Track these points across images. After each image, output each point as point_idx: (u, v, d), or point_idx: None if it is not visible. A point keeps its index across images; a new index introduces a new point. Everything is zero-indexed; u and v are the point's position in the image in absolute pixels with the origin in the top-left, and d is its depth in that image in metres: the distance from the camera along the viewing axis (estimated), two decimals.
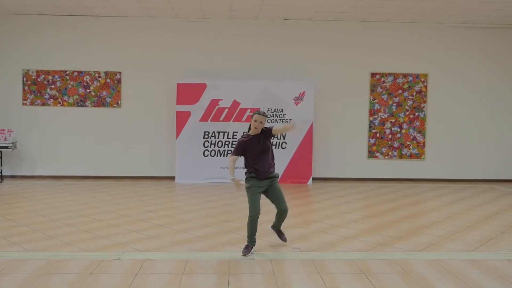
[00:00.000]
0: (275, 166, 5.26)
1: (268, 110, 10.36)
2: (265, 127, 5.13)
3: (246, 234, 5.89)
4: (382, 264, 4.79)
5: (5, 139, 10.13)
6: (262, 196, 5.18)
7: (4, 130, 10.16)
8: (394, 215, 7.21)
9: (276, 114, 10.37)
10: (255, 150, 5.07)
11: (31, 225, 6.24)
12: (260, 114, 5.05)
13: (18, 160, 10.65)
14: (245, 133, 5.26)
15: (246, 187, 5.10)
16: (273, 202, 5.23)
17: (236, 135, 10.36)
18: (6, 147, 10.00)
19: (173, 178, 10.53)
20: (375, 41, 10.91)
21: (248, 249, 5.04)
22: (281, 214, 5.25)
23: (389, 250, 5.33)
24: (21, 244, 5.34)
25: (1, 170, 10.26)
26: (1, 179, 10.24)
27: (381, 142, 11.02)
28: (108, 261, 4.75)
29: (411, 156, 11.06)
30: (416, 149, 11.06)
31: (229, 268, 4.57)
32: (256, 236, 5.10)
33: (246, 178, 5.16)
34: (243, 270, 4.52)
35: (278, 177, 5.26)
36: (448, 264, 4.81)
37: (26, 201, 7.95)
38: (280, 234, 5.50)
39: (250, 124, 5.15)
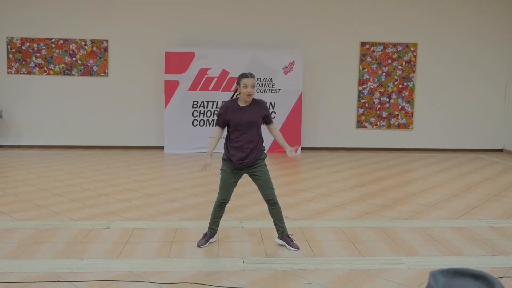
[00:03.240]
0: (262, 149, 4.28)
1: (257, 80, 10.28)
2: (261, 101, 4.26)
3: (235, 203, 5.96)
4: (368, 231, 4.88)
5: None
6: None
7: None
8: (382, 184, 7.30)
9: (265, 84, 10.32)
10: (240, 121, 4.09)
11: (19, 194, 6.23)
12: (248, 76, 4.04)
13: (4, 130, 10.53)
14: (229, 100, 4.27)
15: (221, 169, 4.26)
16: (257, 186, 4.27)
17: None
18: None
19: (162, 147, 10.51)
20: (365, 10, 10.80)
21: (204, 238, 4.31)
22: (269, 207, 4.29)
23: (376, 218, 5.42)
24: (9, 213, 5.34)
25: None
26: None
27: (370, 112, 11.06)
28: (98, 230, 4.77)
29: (399, 126, 11.13)
30: (404, 119, 11.12)
31: (219, 236, 4.62)
32: (217, 225, 4.37)
33: (222, 157, 4.27)
34: (232, 238, 4.58)
35: (263, 158, 4.27)
36: (433, 231, 4.91)
37: (13, 171, 7.91)
38: (288, 240, 4.30)
39: (236, 94, 4.22)
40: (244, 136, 4.10)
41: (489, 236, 4.78)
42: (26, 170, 8.01)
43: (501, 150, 11.36)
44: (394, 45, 10.92)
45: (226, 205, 4.33)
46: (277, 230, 4.34)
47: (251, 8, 10.61)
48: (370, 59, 10.93)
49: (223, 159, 4.24)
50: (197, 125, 10.35)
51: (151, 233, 4.73)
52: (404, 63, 10.99)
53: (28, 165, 8.52)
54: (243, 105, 4.15)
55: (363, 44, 10.89)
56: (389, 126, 11.12)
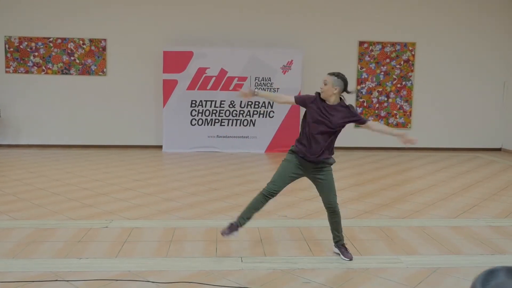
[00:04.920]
0: (331, 157, 4.01)
1: (255, 79, 10.29)
2: (351, 106, 3.99)
3: (234, 202, 5.96)
4: (367, 230, 4.88)
5: None
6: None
7: None
8: (380, 183, 7.31)
9: (264, 83, 10.31)
10: (316, 119, 3.89)
11: (18, 194, 6.21)
12: (329, 73, 3.93)
13: (2, 129, 10.50)
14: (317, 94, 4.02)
15: (283, 159, 4.03)
16: (319, 192, 4.09)
17: (223, 104, 10.30)
18: None
19: (160, 147, 10.50)
20: (363, 9, 10.80)
21: (230, 228, 3.96)
22: (329, 212, 4.06)
23: (375, 217, 5.43)
24: (8, 212, 5.33)
25: None
26: None
27: (368, 111, 11.06)
28: (96, 229, 4.77)
29: (397, 125, 11.14)
30: (402, 118, 11.13)
31: (217, 235, 4.62)
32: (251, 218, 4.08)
33: (289, 151, 4.07)
34: (230, 238, 4.58)
35: (331, 163, 4.04)
36: (431, 230, 4.92)
37: (11, 170, 7.90)
38: (343, 250, 4.08)
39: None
40: (315, 136, 3.91)
41: (488, 235, 4.79)
42: (25, 169, 8.00)
43: (499, 149, 11.38)
44: (393, 44, 10.93)
45: (269, 199, 3.97)
46: (333, 238, 4.14)
47: (249, 7, 10.60)
48: (369, 58, 10.93)
49: (289, 152, 4.04)
50: (195, 124, 10.34)
51: (150, 232, 4.72)
52: (402, 62, 11.00)
53: (26, 164, 8.50)
54: (325, 99, 3.96)
55: (361, 43, 10.89)
56: (387, 125, 11.11)
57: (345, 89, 3.96)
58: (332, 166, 4.07)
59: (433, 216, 5.51)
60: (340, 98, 4.01)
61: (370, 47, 10.91)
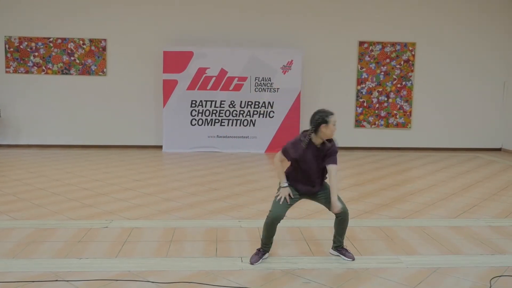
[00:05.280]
0: (322, 184, 4.05)
1: (255, 79, 10.29)
2: (334, 143, 3.94)
3: (234, 202, 5.96)
4: (367, 230, 4.88)
5: None
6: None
7: None
8: (380, 183, 7.31)
9: (264, 83, 10.31)
10: (309, 164, 3.89)
11: (18, 194, 6.21)
12: (333, 113, 3.98)
13: (2, 129, 10.51)
14: (303, 137, 3.93)
15: (279, 186, 4.03)
16: (324, 205, 4.04)
17: (223, 104, 10.30)
18: None
19: (160, 147, 10.50)
20: (363, 9, 10.80)
21: (258, 255, 3.97)
22: (340, 219, 3.99)
23: (375, 217, 5.43)
24: (8, 212, 5.33)
25: None
26: None
27: (368, 111, 11.06)
28: (96, 229, 4.77)
29: (397, 125, 11.14)
30: (402, 118, 11.13)
31: (217, 235, 4.62)
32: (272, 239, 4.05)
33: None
34: (230, 238, 4.58)
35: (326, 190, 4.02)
36: (431, 230, 4.92)
37: (11, 170, 7.89)
38: (343, 251, 4.10)
39: (314, 129, 3.88)
40: (309, 175, 3.94)
41: (488, 235, 4.79)
42: (25, 169, 8.00)
43: (499, 149, 11.38)
44: (393, 44, 10.93)
45: (276, 225, 3.95)
46: (334, 243, 4.12)
47: (249, 7, 10.60)
48: (369, 58, 10.93)
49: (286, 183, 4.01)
50: (195, 124, 10.34)
51: (150, 232, 4.72)
52: (402, 62, 11.00)
53: (26, 164, 8.50)
54: (316, 142, 3.92)
55: (361, 43, 10.89)
56: (387, 125, 11.12)
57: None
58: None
59: (433, 216, 5.50)
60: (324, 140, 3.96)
61: (370, 47, 10.91)
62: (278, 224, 3.95)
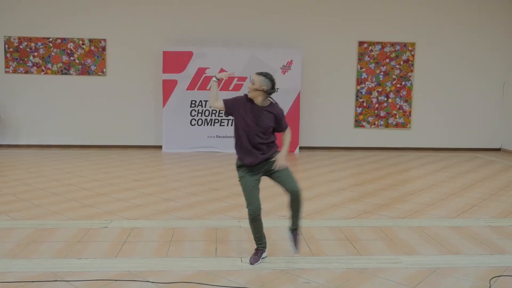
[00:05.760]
0: (275, 148, 4.01)
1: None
2: (277, 107, 3.96)
3: (234, 202, 5.97)
4: (367, 231, 4.88)
5: None
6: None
7: None
8: (380, 183, 7.31)
9: None
10: (253, 119, 3.87)
11: (17, 194, 6.21)
12: (259, 73, 3.89)
13: (1, 129, 10.50)
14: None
15: (238, 178, 4.00)
16: (279, 184, 3.97)
17: None
18: None
19: (160, 147, 10.50)
20: (363, 10, 10.80)
21: (257, 255, 3.96)
22: (292, 199, 3.92)
23: (374, 217, 5.43)
24: (7, 213, 5.32)
25: None
26: None
27: (368, 111, 11.06)
28: (96, 229, 4.77)
29: (397, 125, 11.14)
30: (402, 118, 11.13)
31: (217, 235, 4.62)
32: (266, 237, 4.05)
33: (236, 164, 4.06)
34: (230, 238, 4.58)
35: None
36: (431, 230, 4.92)
37: (11, 170, 7.89)
38: (295, 239, 4.03)
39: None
40: (248, 137, 3.91)
41: (487, 235, 4.79)
42: (24, 169, 8.00)
43: (498, 149, 11.38)
44: (392, 44, 10.93)
45: (260, 216, 3.88)
46: (291, 225, 4.03)
47: (249, 7, 10.60)
48: (368, 59, 10.93)
49: (237, 166, 4.02)
50: (195, 124, 10.34)
51: (149, 232, 4.72)
52: (402, 62, 11.00)
53: (26, 164, 8.50)
54: (253, 101, 3.94)
55: (361, 43, 10.89)
56: (387, 125, 11.12)
57: (272, 90, 3.92)
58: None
59: (432, 216, 5.51)
60: (270, 101, 3.98)
61: (370, 47, 10.91)
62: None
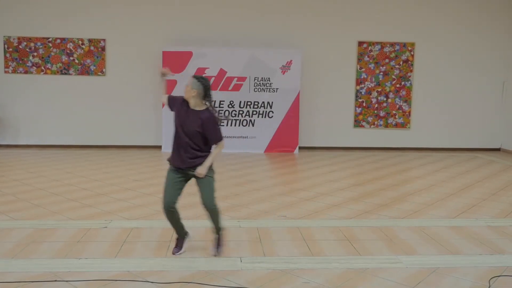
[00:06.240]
0: (208, 153, 4.01)
1: (255, 79, 10.28)
2: (208, 113, 3.91)
3: (233, 202, 5.97)
4: (366, 231, 4.88)
5: None
6: None
7: None
8: (380, 183, 7.31)
9: (263, 83, 10.31)
10: (182, 120, 3.92)
11: (17, 194, 6.21)
12: (194, 77, 3.91)
13: (1, 129, 10.49)
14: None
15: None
16: (199, 192, 4.02)
17: (222, 104, 10.30)
18: None
19: (159, 147, 10.49)
20: (362, 10, 10.80)
21: (177, 246, 4.15)
22: (207, 212, 4.01)
23: (374, 217, 5.43)
24: (7, 213, 5.32)
25: None
26: None
27: (368, 111, 11.06)
28: (96, 229, 4.77)
29: (396, 125, 11.14)
30: (401, 118, 11.13)
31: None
32: (185, 228, 4.19)
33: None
34: (230, 237, 4.58)
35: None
36: (431, 230, 4.92)
37: (11, 170, 7.89)
38: (216, 242, 4.14)
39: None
40: (181, 137, 3.95)
41: (487, 235, 4.79)
42: (24, 169, 7.99)
43: (498, 149, 11.39)
44: (392, 44, 10.93)
45: (176, 209, 4.01)
46: (212, 228, 4.15)
47: (249, 8, 10.60)
48: (368, 59, 10.94)
49: (168, 161, 4.08)
50: None
51: (149, 232, 4.72)
52: (401, 62, 11.00)
53: (26, 164, 8.50)
54: (192, 106, 3.97)
55: (360, 43, 10.89)
56: (386, 125, 11.12)
57: (205, 94, 3.92)
58: (211, 167, 4.03)
59: (432, 216, 5.51)
60: (206, 106, 3.98)
61: (369, 47, 10.91)
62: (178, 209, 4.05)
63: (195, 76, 3.93)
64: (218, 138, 3.99)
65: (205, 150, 3.99)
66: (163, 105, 4.12)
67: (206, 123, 3.90)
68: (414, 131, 11.21)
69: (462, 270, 3.87)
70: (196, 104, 3.95)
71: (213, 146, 4.03)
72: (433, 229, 4.97)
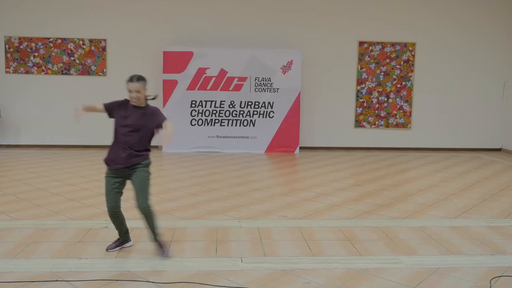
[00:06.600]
0: (147, 154, 4.14)
1: (255, 79, 10.29)
2: (157, 109, 4.15)
3: (234, 202, 5.97)
4: (367, 231, 4.88)
5: None
6: None
7: None
8: (380, 184, 7.31)
9: (263, 83, 10.31)
10: (124, 120, 4.06)
11: (18, 194, 6.21)
12: (133, 80, 3.93)
13: (2, 129, 10.50)
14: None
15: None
16: (134, 189, 4.07)
17: (223, 104, 10.31)
18: None
19: (160, 147, 10.50)
20: (363, 10, 10.81)
21: (116, 243, 4.21)
22: (141, 214, 4.00)
23: (375, 217, 5.43)
24: (8, 213, 5.33)
25: None
26: None
27: (368, 112, 11.06)
28: (96, 229, 4.77)
29: (397, 125, 11.14)
30: (402, 119, 11.13)
31: (217, 235, 4.62)
32: (130, 233, 4.28)
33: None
34: (230, 238, 4.58)
35: (145, 165, 4.10)
36: (431, 230, 4.92)
37: (11, 170, 7.89)
38: (158, 245, 4.06)
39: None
40: (123, 139, 4.10)
41: (487, 235, 4.79)
42: (25, 169, 8.00)
43: (499, 150, 11.38)
44: (393, 44, 10.93)
45: (120, 212, 4.11)
46: (150, 234, 4.08)
47: (249, 8, 10.61)
48: (369, 59, 10.93)
49: (104, 161, 4.20)
50: (195, 124, 10.34)
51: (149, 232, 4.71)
52: (402, 63, 11.00)
53: (26, 164, 8.50)
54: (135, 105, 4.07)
55: (361, 43, 10.89)
56: (387, 125, 11.12)
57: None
58: (148, 168, 4.13)
59: (433, 217, 5.51)
60: (147, 102, 4.14)
61: (370, 47, 10.91)
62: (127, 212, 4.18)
63: (139, 77, 3.99)
64: (164, 119, 4.10)
65: (146, 148, 4.14)
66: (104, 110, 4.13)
67: (154, 114, 4.09)
68: (415, 131, 11.21)
69: (463, 271, 3.87)
70: (140, 102, 4.05)
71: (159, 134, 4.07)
72: (433, 229, 4.97)
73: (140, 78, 3.97)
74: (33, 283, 3.48)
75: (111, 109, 4.15)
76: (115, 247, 4.20)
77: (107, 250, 4.16)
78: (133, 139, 4.03)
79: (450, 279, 3.70)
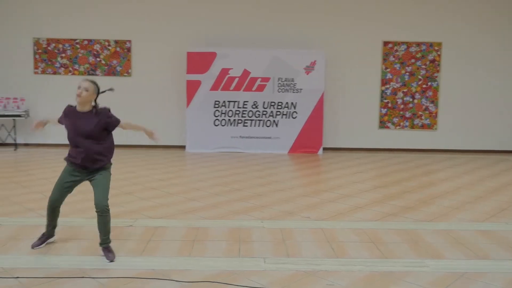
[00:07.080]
0: (108, 157, 4.30)
1: (278, 80, 10.27)
2: (107, 111, 4.34)
3: (257, 202, 5.98)
4: (391, 233, 4.82)
5: (18, 107, 10.21)
6: None
7: (16, 98, 10.23)
8: (405, 186, 7.21)
9: (286, 84, 10.29)
10: (73, 131, 4.29)
11: (45, 192, 6.34)
12: (87, 80, 4.22)
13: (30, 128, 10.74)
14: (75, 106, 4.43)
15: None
16: (93, 190, 4.17)
17: (246, 104, 10.32)
18: (19, 116, 10.08)
19: (183, 147, 10.58)
20: (388, 9, 10.68)
21: (41, 239, 4.22)
22: (97, 214, 4.02)
23: (399, 220, 5.35)
24: (36, 210, 5.45)
25: (15, 138, 10.39)
26: (15, 147, 10.38)
27: (393, 112, 10.92)
28: (121, 227, 4.83)
29: (423, 126, 10.97)
30: (428, 119, 10.95)
31: (240, 236, 4.63)
32: (56, 228, 4.32)
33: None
34: (253, 238, 4.58)
35: (106, 168, 4.26)
36: (458, 234, 4.82)
37: (39, 169, 8.07)
38: (105, 251, 4.00)
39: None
40: (80, 144, 4.34)
41: None
42: (51, 168, 8.16)
43: None
44: (418, 44, 10.77)
45: (56, 209, 4.23)
46: (100, 238, 4.06)
47: (272, 8, 10.60)
48: (393, 59, 10.80)
49: (65, 159, 4.37)
50: (218, 124, 10.39)
51: (173, 231, 4.76)
52: (428, 63, 10.82)
53: (53, 163, 8.68)
54: (81, 110, 4.35)
55: (386, 43, 10.76)
56: (412, 126, 10.96)
57: (98, 95, 4.28)
58: (110, 168, 4.28)
59: (459, 220, 5.40)
60: (94, 106, 4.30)
61: (395, 47, 10.77)
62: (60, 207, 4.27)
63: (92, 81, 4.24)
64: (118, 121, 4.43)
65: (106, 146, 4.30)
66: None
67: (105, 117, 4.32)
68: (441, 132, 11.02)
69: (491, 276, 3.78)
70: (83, 101, 4.23)
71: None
72: (460, 232, 4.87)
73: (93, 83, 4.19)
74: (60, 279, 3.55)
75: (62, 119, 4.47)
76: (41, 244, 4.21)
77: (32, 247, 4.15)
78: (91, 142, 4.26)
79: (477, 284, 3.62)
